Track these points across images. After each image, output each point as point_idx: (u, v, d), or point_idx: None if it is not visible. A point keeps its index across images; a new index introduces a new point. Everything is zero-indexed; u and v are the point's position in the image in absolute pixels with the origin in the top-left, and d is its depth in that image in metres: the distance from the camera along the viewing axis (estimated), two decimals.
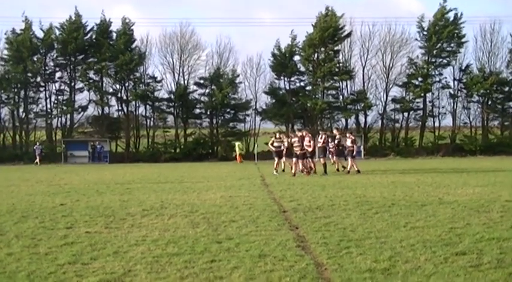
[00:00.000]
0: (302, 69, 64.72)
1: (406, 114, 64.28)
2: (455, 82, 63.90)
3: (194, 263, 7.55)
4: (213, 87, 63.53)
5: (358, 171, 27.68)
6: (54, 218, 12.13)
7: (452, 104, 64.46)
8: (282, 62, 63.33)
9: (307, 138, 26.81)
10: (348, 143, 28.79)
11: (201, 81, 64.85)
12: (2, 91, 62.30)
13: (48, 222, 11.50)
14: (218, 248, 8.50)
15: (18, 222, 11.48)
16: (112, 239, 9.40)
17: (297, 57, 64.46)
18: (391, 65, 64.23)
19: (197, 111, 65.36)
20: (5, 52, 62.74)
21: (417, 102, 64.22)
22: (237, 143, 57.00)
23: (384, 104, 64.35)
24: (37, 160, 54.07)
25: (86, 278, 6.83)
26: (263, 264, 7.46)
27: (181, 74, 65.12)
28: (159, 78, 65.05)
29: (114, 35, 64.05)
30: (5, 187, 22.26)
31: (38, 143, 57.86)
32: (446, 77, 64.12)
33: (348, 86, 64.90)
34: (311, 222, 10.96)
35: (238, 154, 53.78)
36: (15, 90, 62.75)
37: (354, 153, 28.77)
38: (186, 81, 65.08)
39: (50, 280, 6.76)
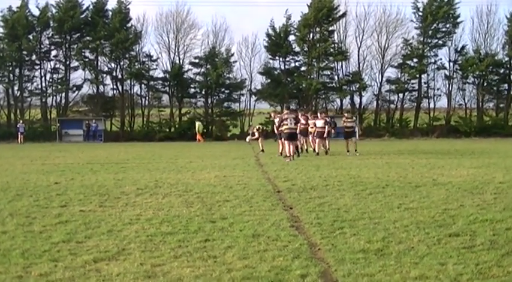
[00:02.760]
0: (297, 49, 64.48)
1: (401, 95, 64.17)
2: (451, 63, 63.76)
3: (188, 242, 7.56)
4: (208, 66, 63.38)
5: (318, 153, 26.93)
6: (48, 196, 12.13)
7: (447, 86, 64.39)
8: (277, 42, 63.09)
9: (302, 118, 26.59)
10: (319, 124, 27.97)
11: (196, 61, 64.61)
12: None
13: (42, 200, 11.50)
14: (212, 228, 8.51)
15: (12, 201, 11.48)
16: (106, 218, 9.41)
17: (292, 37, 64.23)
18: (386, 45, 64.00)
19: (192, 90, 65.16)
20: (0, 30, 62.43)
21: (412, 83, 64.16)
22: (197, 123, 57.49)
23: (379, 84, 64.23)
24: (20, 139, 53.93)
25: (80, 257, 6.84)
26: (257, 244, 7.48)
27: (176, 53, 64.83)
28: (154, 57, 64.88)
29: (110, 13, 63.77)
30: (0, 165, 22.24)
31: (21, 122, 57.52)
32: (441, 58, 63.99)
33: (343, 67, 64.71)
34: (305, 203, 10.98)
35: (198, 133, 54.86)
36: (10, 68, 62.44)
37: (325, 135, 27.81)
38: (181, 61, 64.87)
39: (44, 258, 6.77)
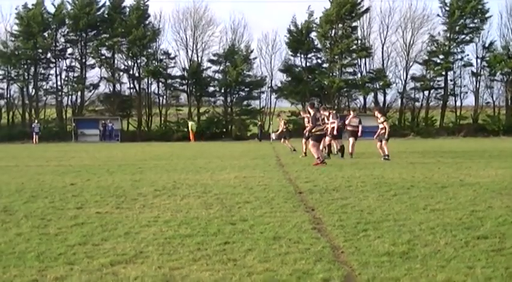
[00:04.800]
0: (319, 46, 64.53)
1: (426, 93, 63.96)
2: (478, 60, 63.44)
3: (207, 245, 7.56)
4: (227, 64, 63.46)
5: (305, 154, 26.27)
6: (64, 197, 12.19)
7: (474, 83, 64.12)
8: (298, 39, 63.11)
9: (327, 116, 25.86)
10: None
11: (215, 58, 64.80)
12: (12, 67, 62.47)
13: (58, 202, 11.56)
14: (232, 230, 8.50)
15: (27, 202, 11.55)
16: (123, 220, 9.43)
17: (313, 34, 64.24)
18: (411, 42, 63.84)
19: (211, 89, 65.37)
20: (15, 27, 62.92)
21: (438, 81, 63.89)
22: (190, 123, 57.77)
23: (403, 82, 64.08)
24: (35, 139, 54.28)
25: (96, 260, 6.86)
26: (278, 246, 7.46)
27: (194, 51, 65.11)
28: (172, 55, 65.09)
29: (127, 10, 64.04)
30: (14, 166, 22.41)
31: (36, 121, 57.94)
32: (468, 55, 63.77)
33: (367, 64, 64.74)
34: (327, 204, 10.95)
35: (191, 133, 55.41)
36: (25, 66, 62.94)
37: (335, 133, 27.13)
38: (199, 58, 65.10)
39: (60, 261, 6.79)
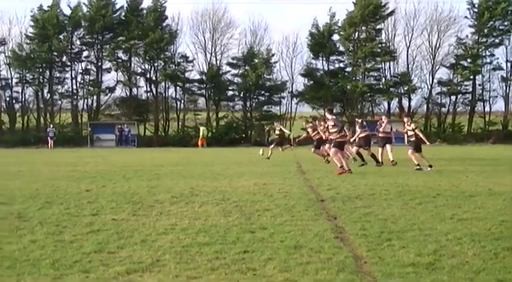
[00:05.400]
0: (341, 49, 64.47)
1: (453, 97, 63.59)
2: (508, 63, 62.96)
3: (226, 254, 7.56)
4: (247, 67, 63.53)
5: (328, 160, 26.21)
6: (79, 204, 12.26)
7: (504, 88, 63.62)
8: (320, 42, 63.06)
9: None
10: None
11: (234, 62, 64.89)
12: (26, 71, 62.97)
13: (73, 208, 11.62)
14: (251, 238, 8.51)
15: (42, 208, 11.62)
16: (139, 227, 9.47)
17: (336, 37, 64.21)
18: (437, 45, 63.57)
19: (230, 93, 65.43)
20: (31, 30, 63.44)
21: (466, 85, 63.51)
22: (202, 128, 57.97)
23: (429, 86, 63.80)
24: (50, 144, 54.58)
25: (112, 268, 6.89)
26: (299, 255, 7.46)
27: (213, 54, 65.28)
28: (190, 58, 65.28)
29: (145, 12, 64.29)
30: (28, 171, 22.56)
31: (51, 126, 58.29)
32: (498, 58, 63.30)
33: (391, 68, 64.49)
34: (350, 212, 10.92)
35: (200, 138, 55.71)
36: (40, 70, 63.40)
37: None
38: (218, 61, 65.25)
39: (75, 269, 6.84)
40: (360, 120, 27.17)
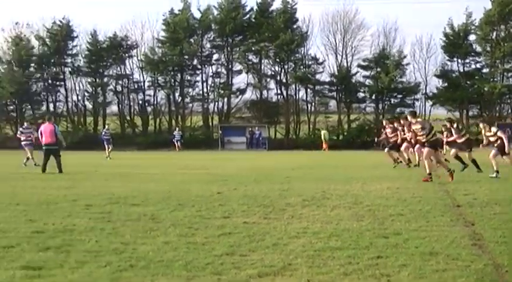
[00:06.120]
0: (478, 49, 62.61)
1: None
2: None
3: (358, 259, 7.49)
4: (378, 69, 62.89)
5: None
6: (210, 207, 12.48)
7: None
8: (455, 42, 61.56)
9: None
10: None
11: (365, 63, 64.41)
12: (158, 74, 65.03)
13: (204, 211, 11.84)
14: (384, 244, 8.39)
15: (174, 210, 11.91)
16: (271, 231, 9.52)
17: (472, 37, 62.44)
18: None
19: (361, 95, 65.03)
20: (162, 34, 65.47)
21: None
22: (323, 131, 57.15)
23: None
24: (178, 145, 55.54)
25: (244, 270, 6.96)
26: (434, 262, 7.28)
27: (344, 56, 65.08)
28: (320, 60, 65.36)
29: (275, 14, 64.87)
30: (161, 174, 23.24)
31: (177, 129, 59.61)
32: None
33: None
34: (489, 219, 10.56)
35: (325, 142, 54.91)
36: (172, 73, 65.24)
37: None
38: (349, 63, 64.98)
39: (208, 271, 6.96)
40: (455, 125, 26.36)
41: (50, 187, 16.82)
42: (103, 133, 41.25)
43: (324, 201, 13.23)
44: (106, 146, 38.58)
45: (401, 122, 26.63)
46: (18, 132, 31.92)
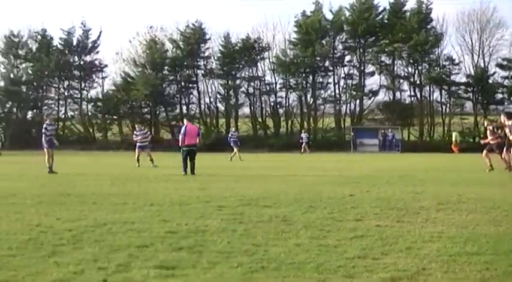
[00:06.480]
0: None
1: None
2: None
3: (497, 265, 7.22)
4: None
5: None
6: (342, 209, 12.40)
7: None
8: None
9: None
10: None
11: (504, 63, 62.31)
12: (290, 76, 65.50)
13: (336, 213, 11.78)
14: None
15: (306, 212, 11.91)
16: (404, 234, 9.35)
17: None
18: None
19: (499, 96, 63.00)
20: (294, 35, 65.92)
21: None
22: (454, 133, 55.12)
23: None
24: (305, 147, 55.17)
25: (376, 274, 6.86)
26: None
27: (480, 56, 63.24)
28: (456, 61, 63.87)
29: (408, 14, 63.99)
30: (292, 176, 23.34)
31: (303, 131, 59.52)
32: None
33: None
34: None
35: (454, 144, 53.07)
36: (303, 75, 65.56)
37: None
38: (486, 63, 63.13)
39: (339, 274, 6.91)
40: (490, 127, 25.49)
41: (182, 188, 17.21)
42: (230, 135, 41.79)
43: (459, 205, 12.89)
44: (234, 147, 38.93)
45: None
46: (134, 135, 32.77)
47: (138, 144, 30.10)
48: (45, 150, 24.43)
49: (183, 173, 23.10)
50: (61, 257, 7.63)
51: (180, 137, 24.24)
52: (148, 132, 32.37)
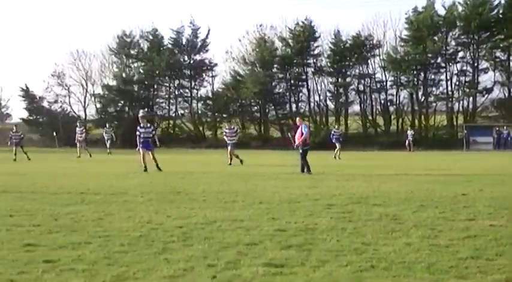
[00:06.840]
0: None
1: None
2: None
3: None
4: None
5: None
6: (454, 208, 12.15)
7: None
8: None
9: None
10: None
11: None
12: (401, 73, 64.57)
13: (448, 212, 11.55)
14: None
15: (416, 211, 11.74)
16: None
17: None
18: None
19: None
20: (405, 32, 64.97)
21: None
22: None
23: None
24: (409, 146, 54.33)
25: (490, 275, 6.69)
26: None
27: None
28: None
29: None
30: (403, 174, 22.99)
31: (409, 129, 58.88)
32: None
33: None
34: None
35: None
36: (415, 72, 64.52)
37: None
38: None
39: (451, 274, 6.77)
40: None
41: (291, 186, 17.25)
42: (332, 132, 41.50)
43: None
44: (337, 144, 38.55)
45: None
46: (224, 133, 33.01)
47: (228, 141, 30.32)
48: (139, 150, 24.87)
49: (310, 173, 22.63)
50: (171, 253, 7.80)
51: (307, 136, 23.79)
52: (239, 130, 32.37)
